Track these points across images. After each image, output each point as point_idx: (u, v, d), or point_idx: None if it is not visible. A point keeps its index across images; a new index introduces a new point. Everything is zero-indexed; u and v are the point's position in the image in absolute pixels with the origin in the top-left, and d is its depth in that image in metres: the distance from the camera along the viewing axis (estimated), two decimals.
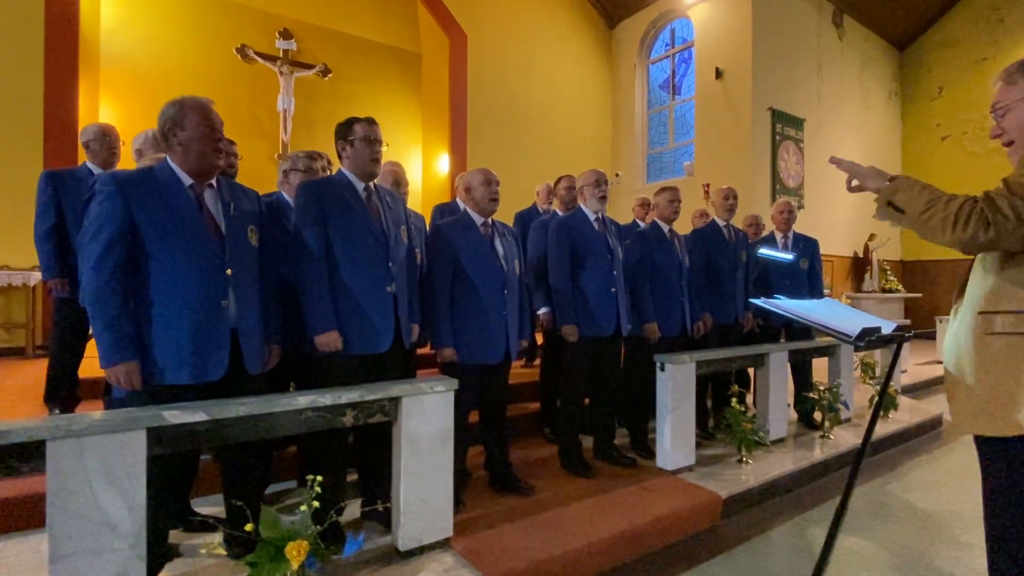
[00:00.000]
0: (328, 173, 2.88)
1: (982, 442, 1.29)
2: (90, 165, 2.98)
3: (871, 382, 4.81)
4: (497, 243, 2.70)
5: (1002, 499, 1.25)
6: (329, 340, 2.12)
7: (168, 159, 1.85)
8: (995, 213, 1.15)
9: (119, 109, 6.74)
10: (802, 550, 2.48)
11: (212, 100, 1.89)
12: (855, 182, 1.46)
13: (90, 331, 1.74)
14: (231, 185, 2.02)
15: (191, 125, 1.81)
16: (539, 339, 3.78)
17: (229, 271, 1.86)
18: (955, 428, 1.38)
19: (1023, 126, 1.27)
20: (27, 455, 1.44)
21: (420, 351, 3.11)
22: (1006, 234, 1.15)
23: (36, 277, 4.96)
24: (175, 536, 2.15)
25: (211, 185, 1.91)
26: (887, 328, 1.64)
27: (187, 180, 1.84)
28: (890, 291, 9.69)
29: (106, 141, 2.99)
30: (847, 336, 1.54)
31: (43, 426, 1.43)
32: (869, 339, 1.55)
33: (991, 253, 1.28)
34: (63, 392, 3.00)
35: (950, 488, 3.23)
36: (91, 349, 2.26)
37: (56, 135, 5.30)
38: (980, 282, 1.29)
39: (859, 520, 2.77)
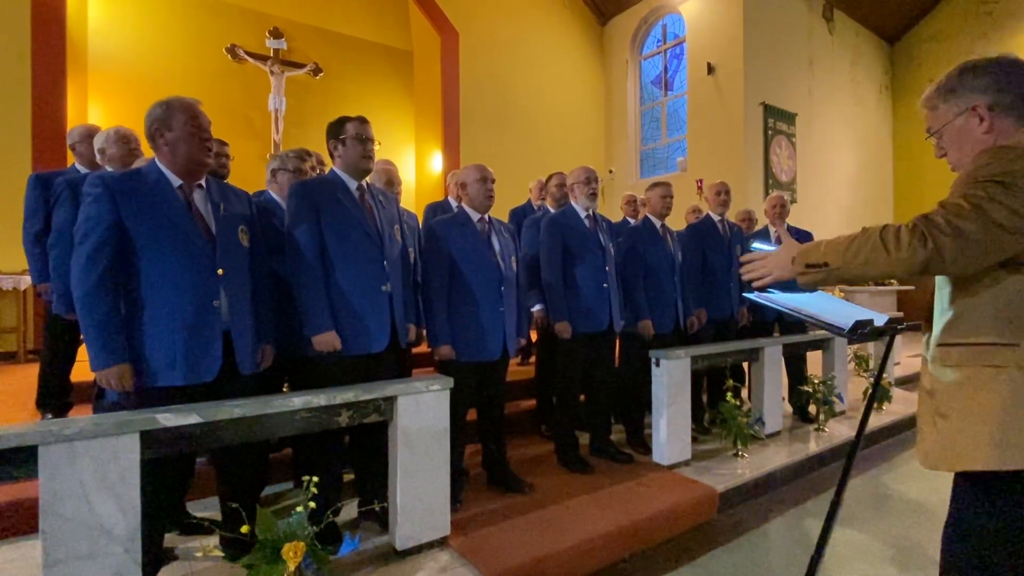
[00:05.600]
0: (318, 172, 2.87)
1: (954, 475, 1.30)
2: (78, 167, 2.95)
3: (865, 375, 4.83)
4: (493, 240, 2.69)
5: (953, 533, 1.28)
6: (327, 340, 2.10)
7: (156, 160, 1.84)
8: (930, 227, 1.10)
9: (108, 110, 6.69)
10: (799, 542, 2.49)
11: (199, 100, 1.88)
12: (767, 279, 1.45)
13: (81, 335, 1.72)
14: (221, 186, 2.00)
15: (178, 125, 1.80)
16: (533, 336, 3.77)
17: (220, 271, 1.85)
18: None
19: (954, 146, 1.28)
20: (20, 460, 1.43)
21: (416, 349, 3.11)
22: (947, 250, 1.08)
23: (26, 281, 4.91)
24: (171, 539, 2.14)
25: (200, 186, 1.90)
26: (880, 320, 1.64)
27: (176, 181, 1.83)
28: (882, 284, 9.74)
29: (92, 142, 2.96)
30: (840, 329, 1.54)
31: (35, 431, 1.42)
32: (862, 331, 1.55)
33: (944, 285, 1.26)
34: (55, 397, 2.98)
35: (944, 479, 3.23)
36: (83, 353, 2.24)
37: (45, 137, 5.25)
38: (938, 315, 1.28)
39: (854, 511, 2.79)
